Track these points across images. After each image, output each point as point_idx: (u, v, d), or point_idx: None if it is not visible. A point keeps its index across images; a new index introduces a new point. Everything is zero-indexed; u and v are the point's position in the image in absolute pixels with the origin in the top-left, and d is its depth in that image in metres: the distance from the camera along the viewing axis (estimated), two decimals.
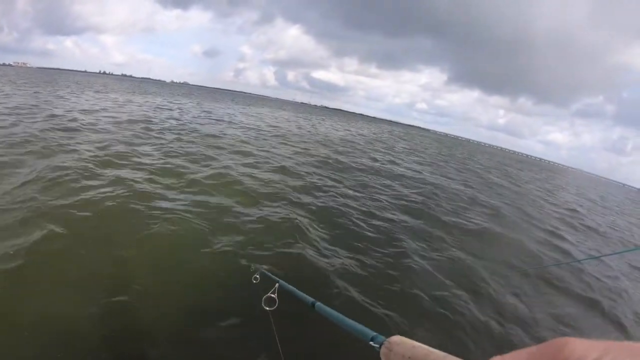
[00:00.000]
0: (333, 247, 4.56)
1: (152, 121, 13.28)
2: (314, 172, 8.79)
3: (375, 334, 0.43)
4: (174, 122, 14.41)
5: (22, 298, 2.68)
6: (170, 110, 19.92)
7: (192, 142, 10.05)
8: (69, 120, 10.50)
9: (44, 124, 9.28)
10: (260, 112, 35.52)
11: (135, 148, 8.01)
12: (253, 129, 16.95)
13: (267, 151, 10.84)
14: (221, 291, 3.20)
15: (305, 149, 12.99)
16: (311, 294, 1.11)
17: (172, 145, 9.05)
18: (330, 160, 11.14)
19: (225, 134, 12.98)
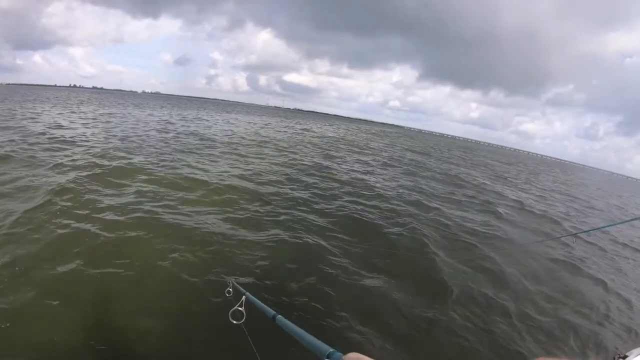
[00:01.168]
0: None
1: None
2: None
3: (332, 350, 0.43)
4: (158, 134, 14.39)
5: None
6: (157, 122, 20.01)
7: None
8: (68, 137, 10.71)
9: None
10: (234, 118, 34.98)
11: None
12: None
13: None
14: (197, 305, 3.25)
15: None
16: (276, 305, 1.11)
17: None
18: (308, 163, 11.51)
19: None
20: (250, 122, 32.27)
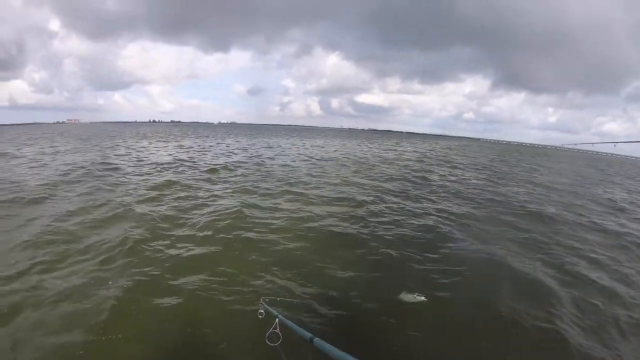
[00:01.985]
0: None
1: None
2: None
3: None
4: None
5: None
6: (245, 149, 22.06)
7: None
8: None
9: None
10: (319, 143, 36.20)
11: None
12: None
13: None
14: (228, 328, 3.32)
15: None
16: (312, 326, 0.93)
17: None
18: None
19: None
20: (343, 145, 34.33)
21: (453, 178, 14.46)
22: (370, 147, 33.73)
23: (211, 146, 24.87)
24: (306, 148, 26.97)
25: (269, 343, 1.26)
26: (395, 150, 31.73)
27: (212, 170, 12.44)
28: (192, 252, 4.93)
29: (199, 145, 24.72)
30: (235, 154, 19.96)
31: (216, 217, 6.49)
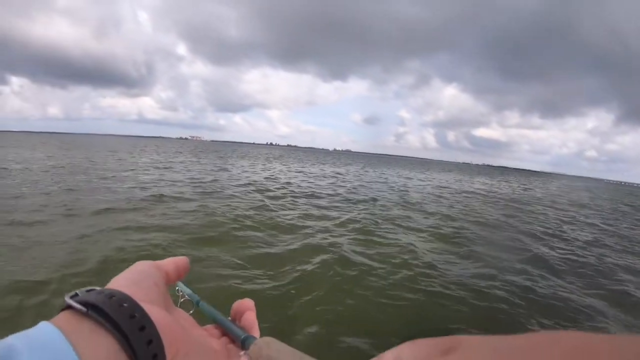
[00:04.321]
0: None
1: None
2: None
3: (247, 335, 0.38)
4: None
5: None
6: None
7: None
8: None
9: None
10: (443, 177, 32.13)
11: None
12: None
13: None
14: None
15: None
16: None
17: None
18: None
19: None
20: (484, 182, 29.78)
21: None
22: (505, 184, 29.19)
23: (340, 173, 23.24)
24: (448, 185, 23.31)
25: None
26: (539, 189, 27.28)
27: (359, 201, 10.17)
28: None
29: (337, 172, 23.31)
30: (377, 182, 18.17)
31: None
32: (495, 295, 3.81)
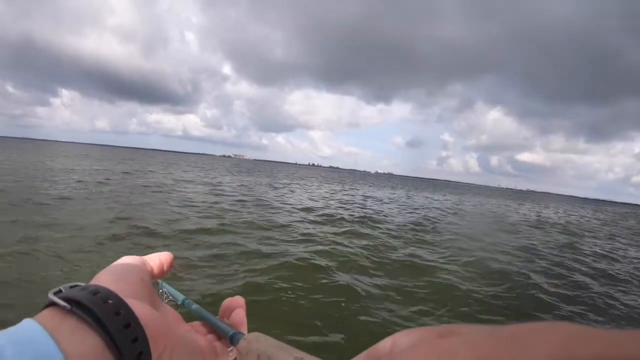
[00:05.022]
0: None
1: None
2: None
3: (235, 331, 0.37)
4: None
5: None
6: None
7: None
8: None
9: None
10: (488, 202, 31.79)
11: None
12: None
13: None
14: None
15: None
16: None
17: None
18: None
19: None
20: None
21: None
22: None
23: (392, 197, 23.31)
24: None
25: None
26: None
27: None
28: None
29: (392, 197, 23.32)
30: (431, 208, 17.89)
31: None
32: None
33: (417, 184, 74.86)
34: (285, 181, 28.10)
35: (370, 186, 35.74)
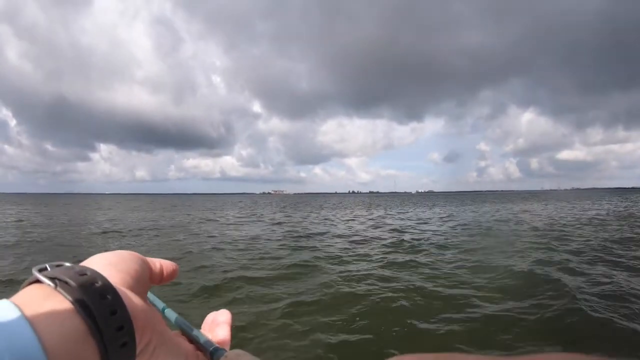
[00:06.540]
0: None
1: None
2: None
3: (216, 346, 0.35)
4: None
5: None
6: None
7: None
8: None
9: None
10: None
11: None
12: None
13: None
14: None
15: None
16: None
17: None
18: None
19: None
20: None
21: None
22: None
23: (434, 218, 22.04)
24: None
25: None
26: None
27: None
28: None
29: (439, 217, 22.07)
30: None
31: None
32: None
33: (461, 198, 70.77)
34: (348, 210, 27.38)
35: (422, 207, 33.77)
